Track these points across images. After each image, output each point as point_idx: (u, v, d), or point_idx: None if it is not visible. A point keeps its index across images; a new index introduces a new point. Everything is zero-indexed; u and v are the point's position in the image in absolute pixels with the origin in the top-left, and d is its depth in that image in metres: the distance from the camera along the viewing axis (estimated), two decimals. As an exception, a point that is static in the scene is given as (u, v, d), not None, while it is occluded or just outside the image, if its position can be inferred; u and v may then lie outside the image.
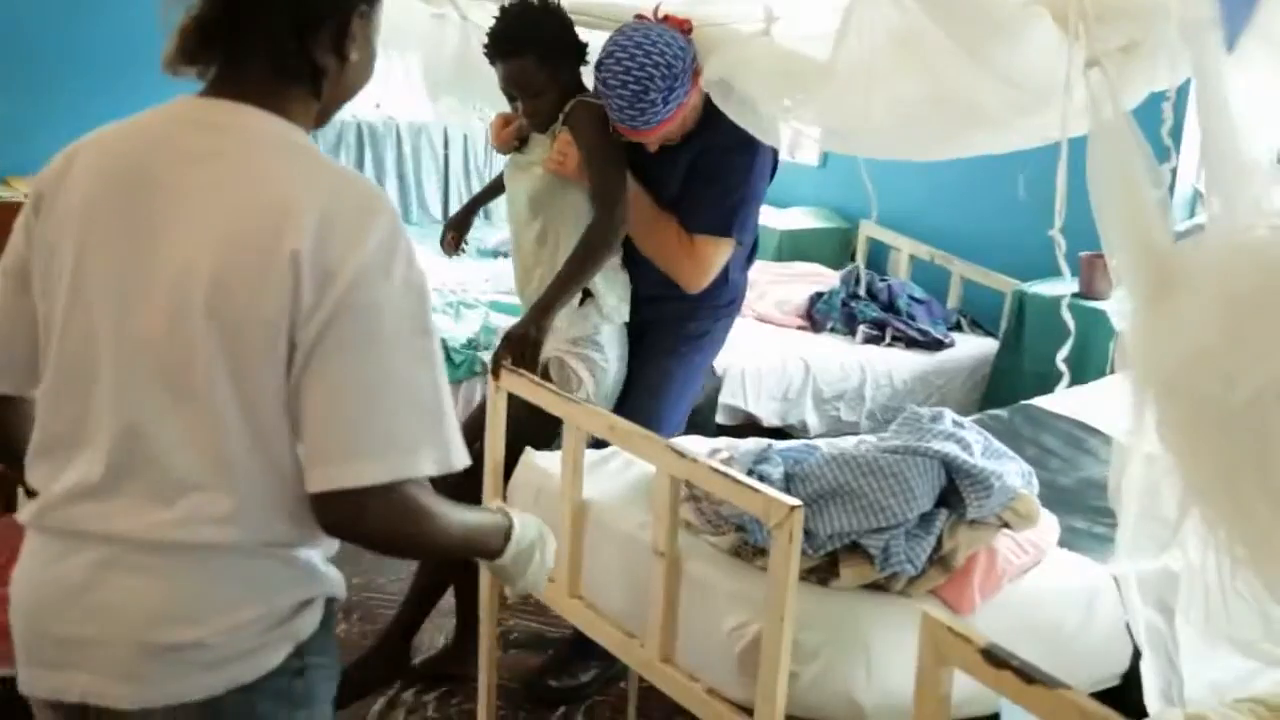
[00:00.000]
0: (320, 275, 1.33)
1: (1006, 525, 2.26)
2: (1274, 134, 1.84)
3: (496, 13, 2.88)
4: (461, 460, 1.42)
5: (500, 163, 3.41)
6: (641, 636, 2.35)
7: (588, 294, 2.95)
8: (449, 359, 3.96)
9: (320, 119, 1.53)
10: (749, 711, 2.11)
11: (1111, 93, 1.78)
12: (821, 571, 2.18)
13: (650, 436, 2.31)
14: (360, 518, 1.37)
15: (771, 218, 5.33)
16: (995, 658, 1.54)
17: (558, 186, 2.93)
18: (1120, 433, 1.91)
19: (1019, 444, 3.15)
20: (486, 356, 3.90)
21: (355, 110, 5.97)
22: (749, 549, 2.27)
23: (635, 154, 2.95)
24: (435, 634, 3.39)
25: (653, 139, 2.88)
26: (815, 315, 4.44)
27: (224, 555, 1.40)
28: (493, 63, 2.86)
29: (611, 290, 2.99)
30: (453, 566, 3.07)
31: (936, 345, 4.25)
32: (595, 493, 2.55)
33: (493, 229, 6.09)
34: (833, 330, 4.32)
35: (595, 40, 2.95)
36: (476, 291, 4.60)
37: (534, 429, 2.82)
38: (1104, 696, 2.40)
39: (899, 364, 4.17)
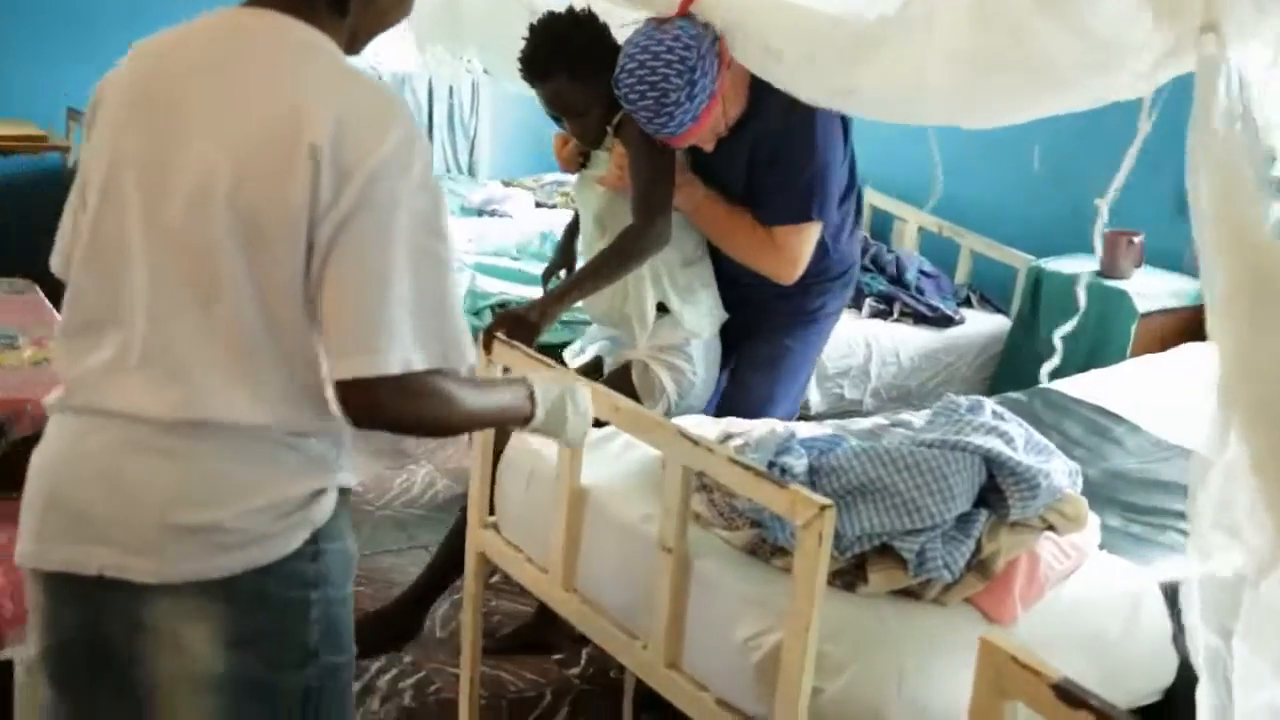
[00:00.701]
0: (338, 172, 1.39)
1: (1051, 528, 2.06)
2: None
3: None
4: (468, 359, 1.50)
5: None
6: (644, 638, 2.14)
7: (663, 310, 2.80)
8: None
9: (351, 45, 1.57)
10: (765, 727, 1.91)
11: (1225, 61, 1.57)
12: (847, 575, 1.97)
13: (659, 421, 2.10)
14: (379, 405, 1.43)
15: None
16: (1071, 695, 1.34)
17: (621, 202, 2.77)
18: (1201, 445, 1.71)
19: (1040, 431, 2.96)
20: (475, 321, 3.67)
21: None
22: (766, 547, 2.07)
23: (696, 155, 2.77)
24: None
25: (697, 138, 2.67)
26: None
27: (241, 441, 1.46)
28: (531, 86, 2.73)
29: (690, 309, 2.82)
30: None
31: (946, 322, 4.04)
32: (594, 478, 2.34)
33: (477, 186, 5.84)
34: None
35: None
36: (459, 252, 4.36)
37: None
38: (1146, 713, 2.23)
39: (906, 340, 3.96)
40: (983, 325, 4.12)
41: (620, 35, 2.69)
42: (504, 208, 5.26)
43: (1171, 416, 3.18)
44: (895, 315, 4.08)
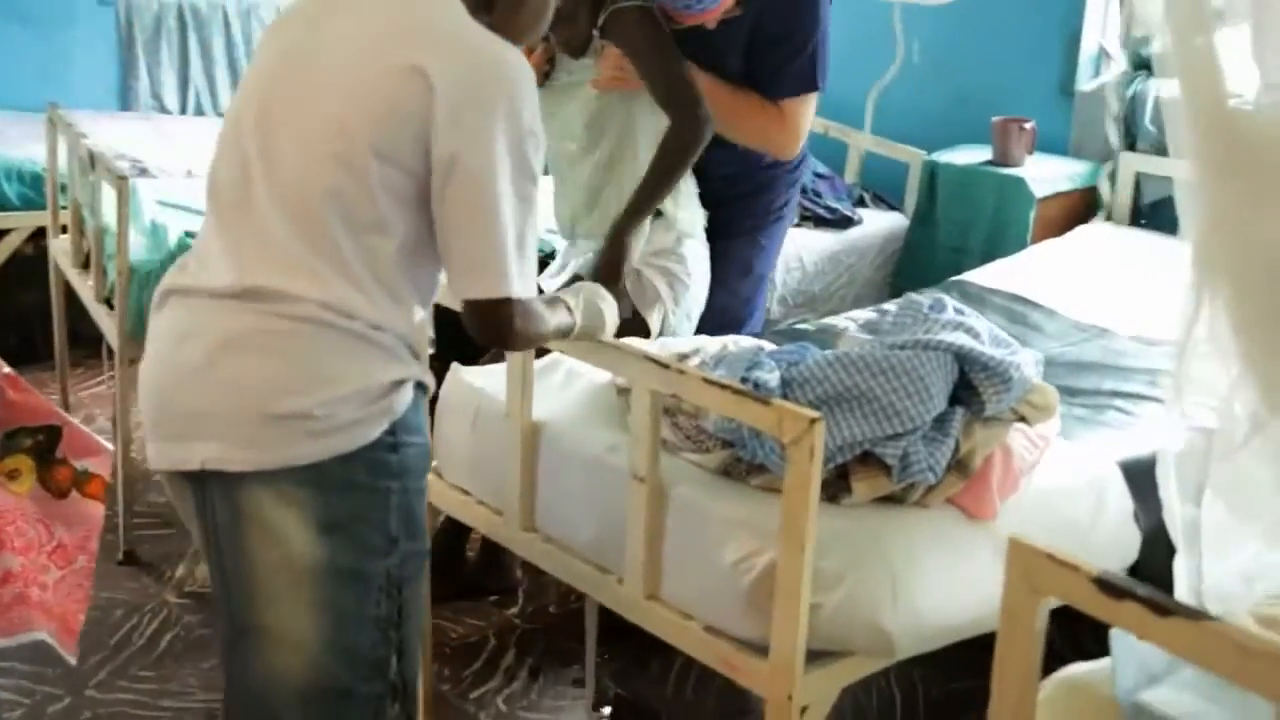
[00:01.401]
0: (451, 106, 1.58)
1: (1022, 419, 2.05)
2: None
3: None
4: (532, 288, 1.72)
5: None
6: (619, 572, 2.07)
7: (658, 213, 2.67)
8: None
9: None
10: (760, 649, 1.86)
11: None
12: (830, 486, 1.93)
13: (621, 345, 2.01)
14: (504, 323, 1.67)
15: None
16: (1115, 588, 1.30)
17: (616, 103, 2.63)
18: (1176, 318, 1.69)
19: (964, 324, 2.96)
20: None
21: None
22: (741, 467, 2.01)
23: (682, 43, 2.64)
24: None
25: (717, 15, 2.60)
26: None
27: (327, 335, 1.60)
28: None
29: (683, 210, 2.71)
30: None
31: (845, 223, 4.01)
32: (545, 411, 2.25)
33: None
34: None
35: None
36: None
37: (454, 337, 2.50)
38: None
39: (808, 244, 3.91)
40: (880, 224, 4.11)
41: None
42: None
43: (1083, 297, 3.22)
44: (795, 220, 4.03)
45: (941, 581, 1.92)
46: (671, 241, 2.67)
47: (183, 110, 5.47)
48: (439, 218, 1.64)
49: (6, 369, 1.97)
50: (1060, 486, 2.14)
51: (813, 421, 1.70)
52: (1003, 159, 3.84)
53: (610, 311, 2.00)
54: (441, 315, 2.39)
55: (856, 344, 2.06)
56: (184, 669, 2.77)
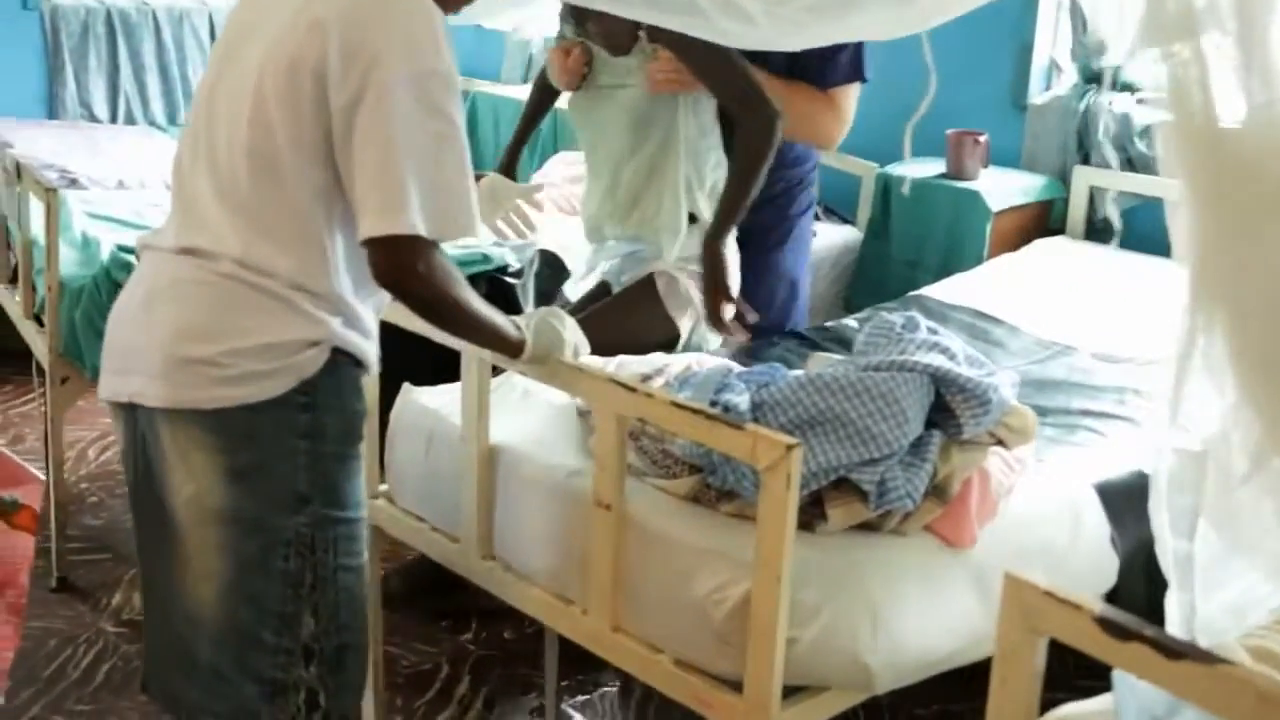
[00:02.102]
0: (346, 52, 1.59)
1: (1000, 442, 1.98)
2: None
3: None
4: (463, 232, 1.67)
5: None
6: (583, 602, 1.98)
7: (692, 218, 2.61)
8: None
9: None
10: (734, 685, 1.78)
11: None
12: (804, 514, 1.84)
13: (584, 369, 1.92)
14: (402, 266, 1.63)
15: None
16: (1120, 628, 1.24)
17: (661, 105, 2.55)
18: (1171, 345, 1.63)
19: (926, 340, 2.90)
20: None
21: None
22: (711, 493, 1.93)
23: None
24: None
25: None
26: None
27: (243, 290, 1.67)
28: None
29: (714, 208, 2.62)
30: None
31: (798, 236, 3.95)
32: (502, 433, 2.15)
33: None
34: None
35: None
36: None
37: (405, 359, 2.40)
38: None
39: (761, 258, 3.84)
40: (834, 238, 4.05)
41: None
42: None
43: (1044, 313, 3.18)
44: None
45: (921, 612, 1.85)
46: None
47: (113, 119, 5.31)
48: (344, 170, 1.64)
49: None
50: (1036, 511, 2.08)
51: (790, 448, 1.62)
52: (957, 172, 3.79)
53: (570, 333, 1.93)
54: (391, 334, 2.30)
55: (828, 365, 1.98)
56: (122, 701, 2.64)
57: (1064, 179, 3.92)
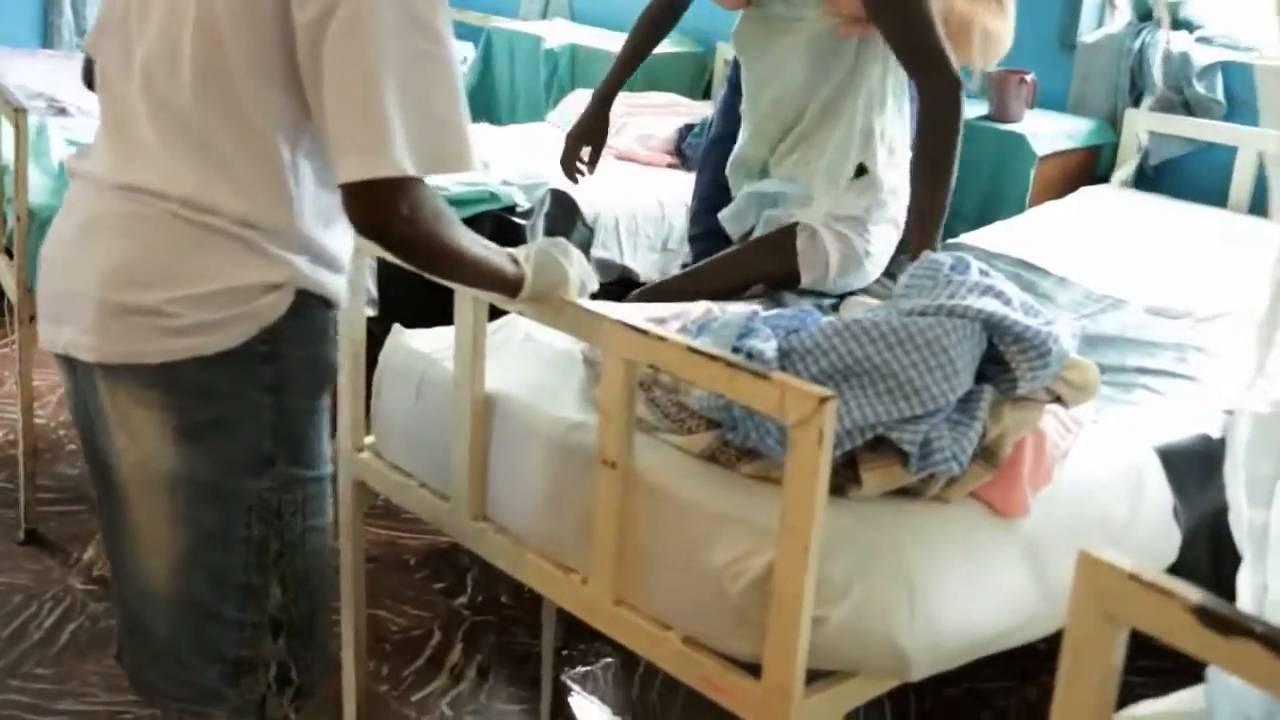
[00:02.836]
0: None
1: (1058, 400, 1.76)
2: None
3: None
4: (458, 166, 1.42)
5: None
6: (583, 571, 1.77)
7: (861, 169, 2.31)
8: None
9: None
10: (750, 668, 1.57)
11: None
12: (836, 477, 1.62)
13: (588, 306, 1.70)
14: (379, 211, 1.38)
15: (610, 41, 4.67)
16: (1225, 621, 1.01)
17: (847, 43, 2.24)
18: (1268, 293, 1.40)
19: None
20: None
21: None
22: (731, 451, 1.71)
23: None
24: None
25: None
26: (687, 151, 3.82)
27: (192, 229, 1.44)
28: None
29: (894, 165, 2.33)
30: None
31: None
32: (499, 381, 1.93)
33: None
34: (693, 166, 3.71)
35: None
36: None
37: (400, 297, 2.19)
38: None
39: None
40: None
41: None
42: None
43: (1093, 265, 2.93)
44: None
45: (964, 589, 1.63)
46: (862, 210, 2.30)
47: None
48: (312, 97, 1.40)
49: None
50: (1094, 477, 1.85)
51: (823, 400, 1.40)
52: (1000, 114, 3.54)
53: (576, 268, 1.70)
54: (386, 273, 2.09)
55: (866, 310, 1.75)
56: (86, 664, 2.45)
57: (1114, 123, 3.66)
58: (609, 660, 2.55)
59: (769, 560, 1.52)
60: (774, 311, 1.85)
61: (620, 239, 3.42)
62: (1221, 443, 2.13)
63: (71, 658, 2.47)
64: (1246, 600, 1.73)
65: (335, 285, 1.58)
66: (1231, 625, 0.99)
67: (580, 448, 1.77)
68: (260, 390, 1.51)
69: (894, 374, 1.62)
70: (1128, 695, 1.15)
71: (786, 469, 1.45)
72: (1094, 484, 1.84)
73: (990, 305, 1.68)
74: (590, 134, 2.45)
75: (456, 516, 1.96)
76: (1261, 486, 1.69)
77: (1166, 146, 3.57)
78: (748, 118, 2.41)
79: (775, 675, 1.51)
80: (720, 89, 4.61)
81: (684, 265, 2.69)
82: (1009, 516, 1.70)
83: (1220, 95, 3.50)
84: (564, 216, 3.26)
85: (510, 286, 1.63)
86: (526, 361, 2.04)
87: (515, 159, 3.65)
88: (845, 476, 1.64)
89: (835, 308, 2.32)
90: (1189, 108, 3.54)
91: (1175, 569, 1.96)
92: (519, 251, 1.66)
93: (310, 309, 1.54)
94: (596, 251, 3.37)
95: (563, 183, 3.28)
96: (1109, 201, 3.47)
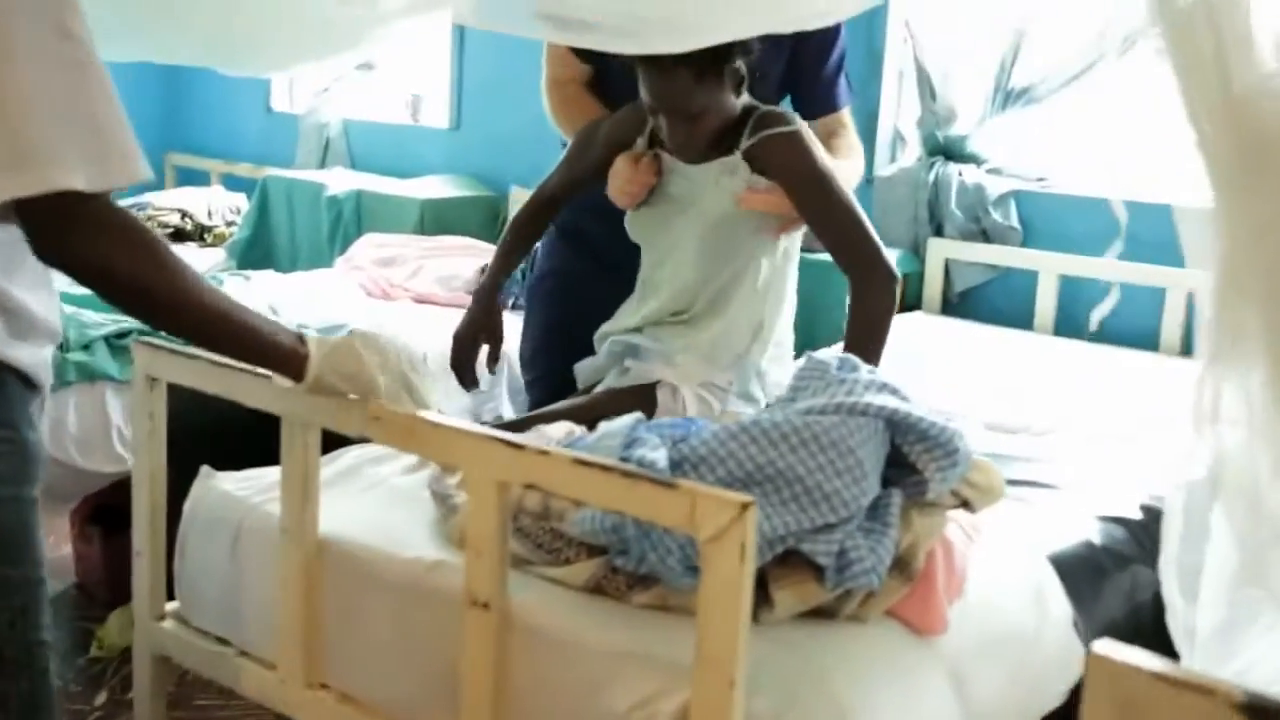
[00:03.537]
0: None
1: (965, 504, 1.62)
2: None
3: None
4: (130, 175, 1.25)
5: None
6: (453, 736, 1.51)
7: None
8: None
9: None
10: (664, 832, 1.34)
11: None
12: (741, 600, 1.44)
13: (452, 427, 1.48)
14: (53, 233, 1.24)
15: (406, 187, 4.51)
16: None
17: (743, 224, 2.05)
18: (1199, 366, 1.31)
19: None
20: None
21: None
22: (619, 580, 1.50)
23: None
24: None
25: None
26: (512, 289, 3.65)
27: None
28: (643, 72, 1.97)
29: (776, 368, 2.16)
30: None
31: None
32: (335, 523, 1.68)
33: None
34: (516, 307, 3.55)
35: None
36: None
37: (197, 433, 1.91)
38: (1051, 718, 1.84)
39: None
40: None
41: None
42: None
43: (922, 387, 2.87)
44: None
45: (897, 718, 1.45)
46: (726, 382, 2.10)
47: None
48: None
49: None
50: (1000, 591, 1.72)
51: (743, 507, 1.22)
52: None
53: (390, 372, 1.52)
54: (187, 404, 1.83)
55: (750, 414, 1.59)
56: None
57: (917, 252, 3.69)
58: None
59: (683, 700, 1.32)
60: (654, 420, 1.67)
61: (429, 383, 3.18)
62: (1104, 550, 2.06)
63: None
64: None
65: (34, 359, 1.34)
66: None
67: (440, 591, 1.54)
68: None
69: (800, 479, 1.46)
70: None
71: (702, 590, 1.26)
72: (999, 596, 1.71)
73: (891, 402, 1.54)
74: (483, 331, 2.20)
75: (288, 687, 1.67)
76: (1191, 580, 1.59)
77: (969, 274, 3.62)
78: (641, 291, 2.23)
79: (698, 837, 1.29)
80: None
81: (530, 409, 2.46)
82: (928, 634, 1.54)
83: (1016, 223, 3.57)
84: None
85: (286, 364, 1.45)
86: (360, 500, 1.79)
87: (308, 305, 3.40)
88: (755, 598, 1.45)
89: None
90: (987, 236, 3.61)
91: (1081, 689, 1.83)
92: (313, 334, 1.49)
93: (8, 385, 1.32)
94: (404, 397, 3.12)
95: (363, 325, 3.05)
96: (921, 327, 3.46)
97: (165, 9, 2.20)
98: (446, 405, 2.96)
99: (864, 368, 1.66)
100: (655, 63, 1.92)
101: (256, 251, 4.55)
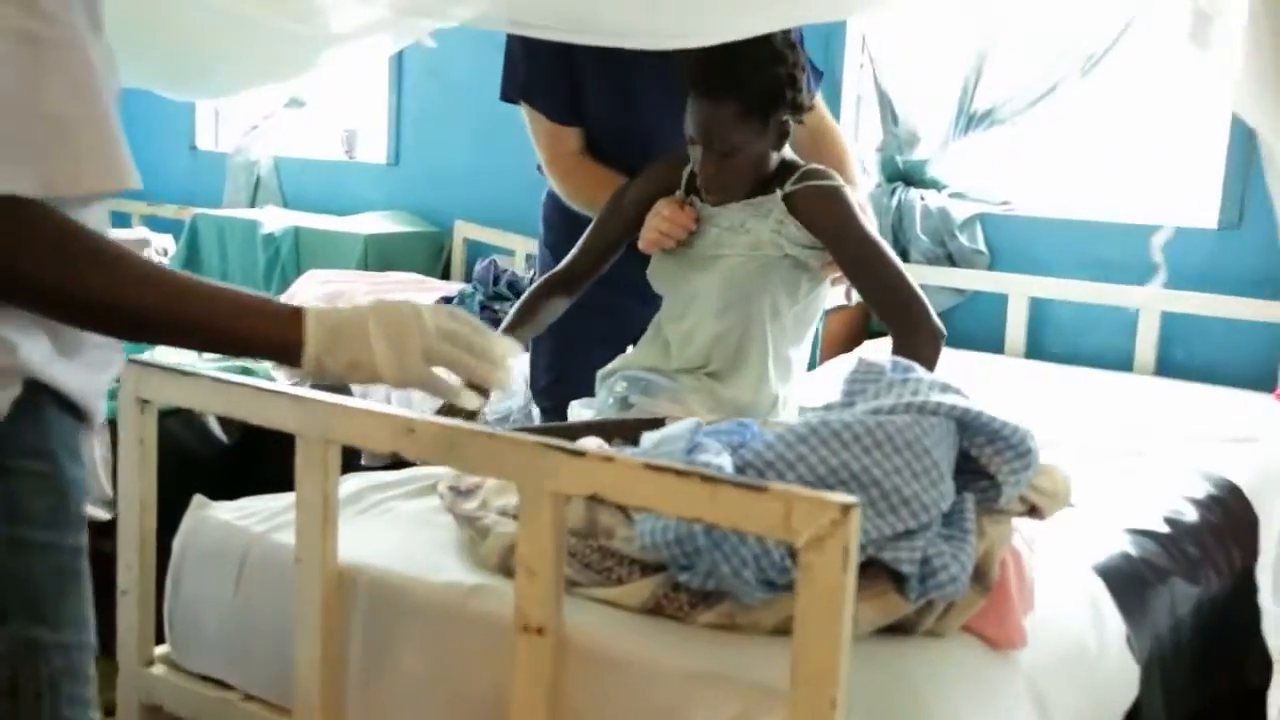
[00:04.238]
0: None
1: (1032, 510, 1.54)
2: None
3: None
4: (105, 178, 1.07)
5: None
6: (502, 778, 1.37)
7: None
8: None
9: None
10: None
11: None
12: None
13: (500, 433, 1.36)
14: None
15: (345, 223, 4.36)
16: None
17: (773, 271, 1.95)
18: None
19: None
20: None
21: None
22: (680, 599, 1.39)
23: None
24: None
25: None
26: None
27: None
28: (695, 96, 1.88)
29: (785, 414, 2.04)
30: None
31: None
32: (356, 551, 1.54)
33: None
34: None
35: None
36: None
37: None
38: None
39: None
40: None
41: None
42: None
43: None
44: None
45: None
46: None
47: None
48: None
49: None
50: (1059, 601, 1.63)
51: (845, 510, 1.12)
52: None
53: (408, 351, 1.23)
54: (172, 440, 1.68)
55: (817, 415, 1.49)
56: None
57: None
58: None
59: (778, 721, 1.20)
60: (710, 426, 1.56)
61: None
62: (1143, 562, 1.99)
63: None
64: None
65: (82, 384, 1.15)
66: None
67: (483, 617, 1.41)
68: None
69: (876, 482, 1.36)
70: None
71: (800, 602, 1.14)
72: (1060, 610, 1.62)
73: (960, 401, 1.46)
74: None
75: (303, 730, 1.52)
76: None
77: (937, 298, 3.56)
78: (655, 334, 2.11)
79: None
80: (459, 268, 4.39)
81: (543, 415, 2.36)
82: (1006, 649, 1.44)
83: (982, 246, 3.54)
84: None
85: (277, 347, 1.19)
86: (373, 527, 1.66)
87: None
88: (831, 614, 1.34)
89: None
90: (953, 260, 3.57)
91: (1140, 706, 1.75)
92: (319, 308, 1.24)
93: (46, 411, 1.12)
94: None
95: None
96: (888, 354, 3.41)
97: (115, 32, 2.07)
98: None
99: (919, 368, 1.57)
100: (707, 91, 1.85)
101: (189, 291, 4.38)
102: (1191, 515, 2.16)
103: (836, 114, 3.77)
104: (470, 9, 2.04)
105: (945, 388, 1.50)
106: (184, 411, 2.38)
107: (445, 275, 4.38)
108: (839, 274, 2.00)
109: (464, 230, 4.37)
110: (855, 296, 3.24)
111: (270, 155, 4.94)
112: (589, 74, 2.20)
